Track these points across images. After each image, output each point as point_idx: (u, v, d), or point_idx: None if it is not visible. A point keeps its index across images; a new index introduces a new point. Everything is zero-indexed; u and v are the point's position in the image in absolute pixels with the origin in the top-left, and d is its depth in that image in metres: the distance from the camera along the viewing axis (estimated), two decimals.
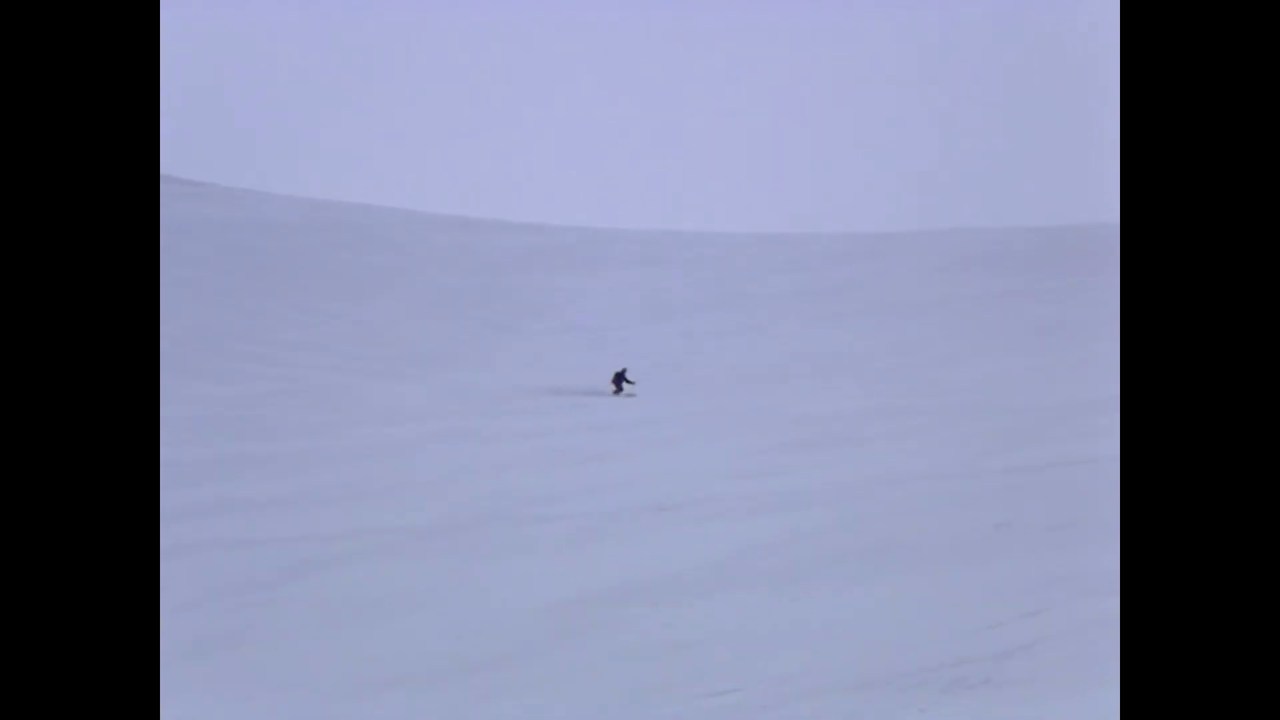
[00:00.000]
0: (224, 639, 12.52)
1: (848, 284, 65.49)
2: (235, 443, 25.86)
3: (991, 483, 17.81)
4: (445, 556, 15.67)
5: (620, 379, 37.12)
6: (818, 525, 16.15)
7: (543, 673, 11.17)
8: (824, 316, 58.67)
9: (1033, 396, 27.65)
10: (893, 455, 21.65)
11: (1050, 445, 20.70)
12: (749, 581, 13.48)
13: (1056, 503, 15.56)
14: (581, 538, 16.35)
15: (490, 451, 25.35)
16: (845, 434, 24.97)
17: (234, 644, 12.34)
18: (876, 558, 13.83)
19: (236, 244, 65.54)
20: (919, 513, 16.16)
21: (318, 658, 11.82)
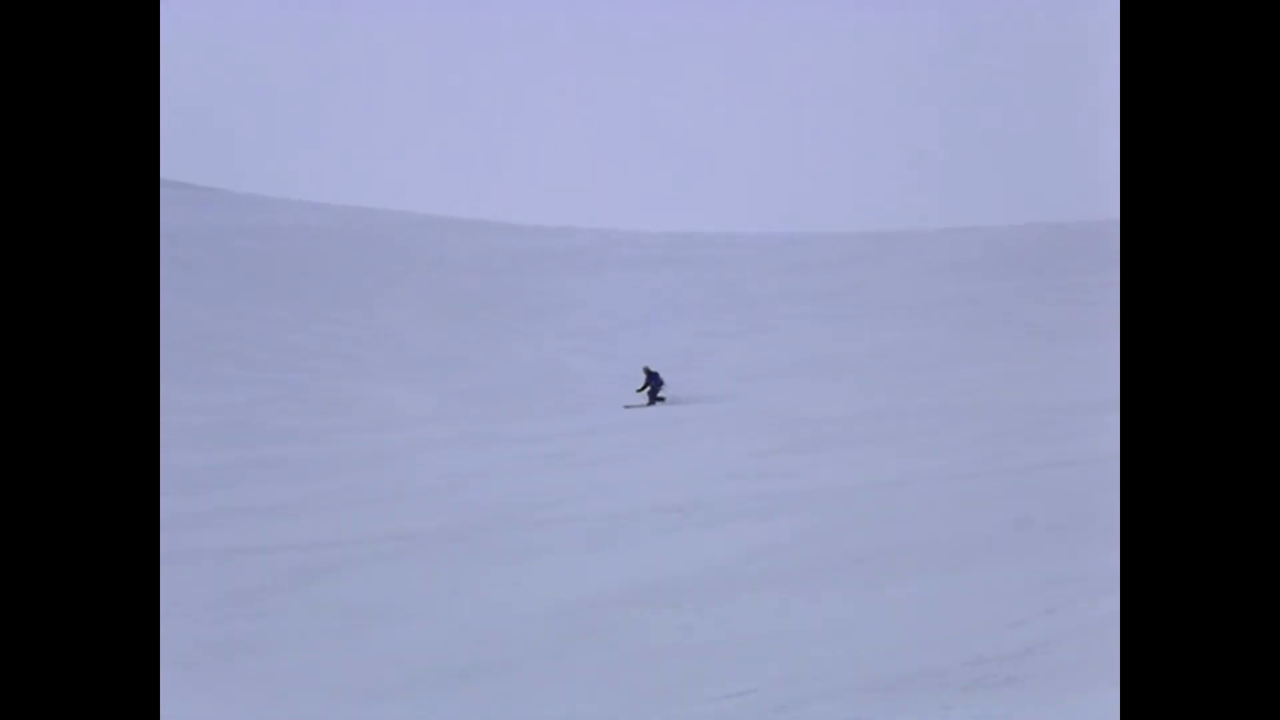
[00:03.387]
0: (229, 645, 12.35)
1: (853, 285, 65.36)
2: (239, 449, 25.70)
3: (1006, 482, 17.62)
4: (454, 561, 15.49)
5: (652, 388, 34.79)
6: (832, 526, 15.97)
7: (553, 676, 10.99)
8: (830, 318, 58.51)
9: (1040, 395, 27.44)
10: (904, 455, 21.46)
11: (1062, 443, 20.50)
12: (764, 583, 13.29)
13: (1072, 500, 15.37)
14: (591, 541, 16.18)
15: (498, 455, 25.19)
16: (855, 435, 24.78)
17: (239, 650, 12.16)
18: (893, 558, 13.64)
19: (240, 249, 65.48)
20: (934, 512, 15.97)
21: (323, 663, 11.66)
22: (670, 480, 20.55)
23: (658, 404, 34.30)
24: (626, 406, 34.84)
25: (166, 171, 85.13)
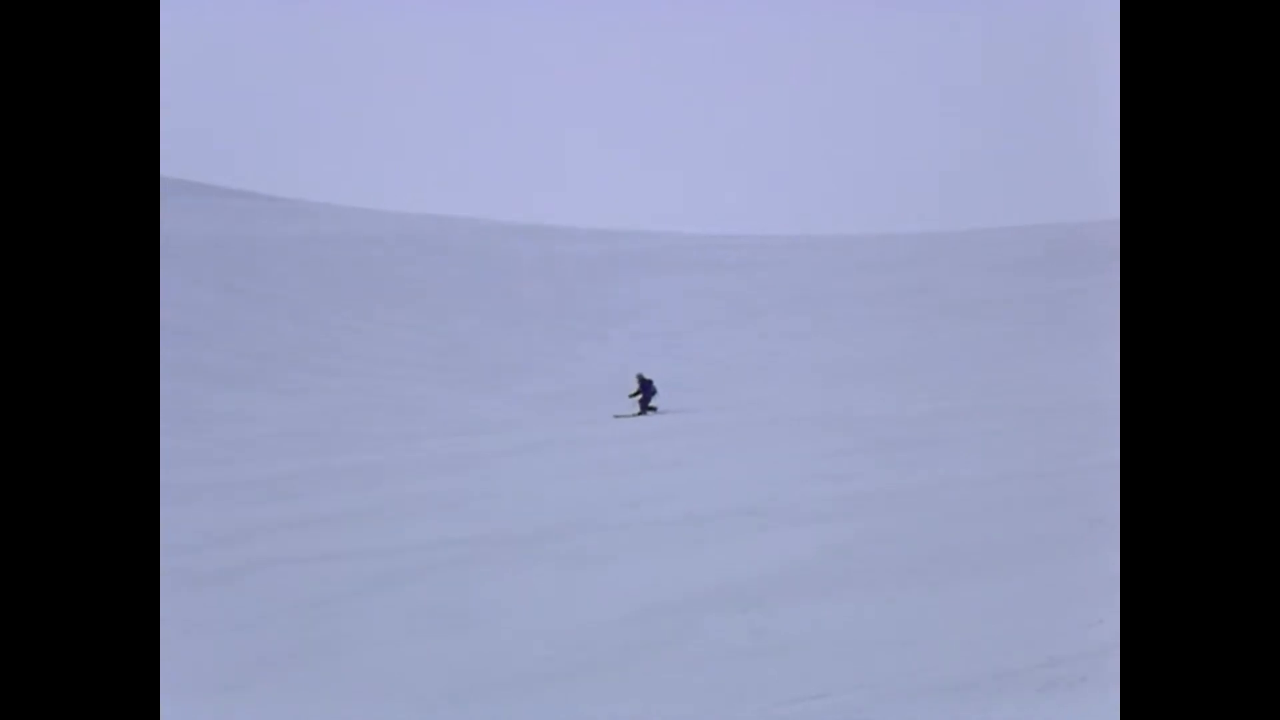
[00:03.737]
0: (309, 648, 12.54)
1: (919, 284, 65.00)
2: (317, 456, 26.00)
3: (1079, 480, 17.57)
4: (530, 565, 15.64)
5: (644, 396, 32.88)
6: (905, 527, 16.00)
7: (630, 680, 11.10)
8: (896, 318, 58.25)
9: (1110, 393, 27.31)
10: (976, 455, 21.43)
11: None
12: (837, 585, 13.35)
13: None
14: (667, 543, 16.28)
15: (571, 460, 25.34)
16: (926, 434, 24.75)
17: (318, 653, 12.35)
18: (966, 558, 13.66)
19: (316, 258, 66.02)
20: (1007, 511, 15.96)
21: (402, 667, 11.82)
22: (744, 483, 20.62)
23: (649, 414, 32.79)
24: (616, 416, 32.86)
25: (240, 183, 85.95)
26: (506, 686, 11.14)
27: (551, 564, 15.58)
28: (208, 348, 44.02)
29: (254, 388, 37.82)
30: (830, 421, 29.13)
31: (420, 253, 72.23)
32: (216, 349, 44.02)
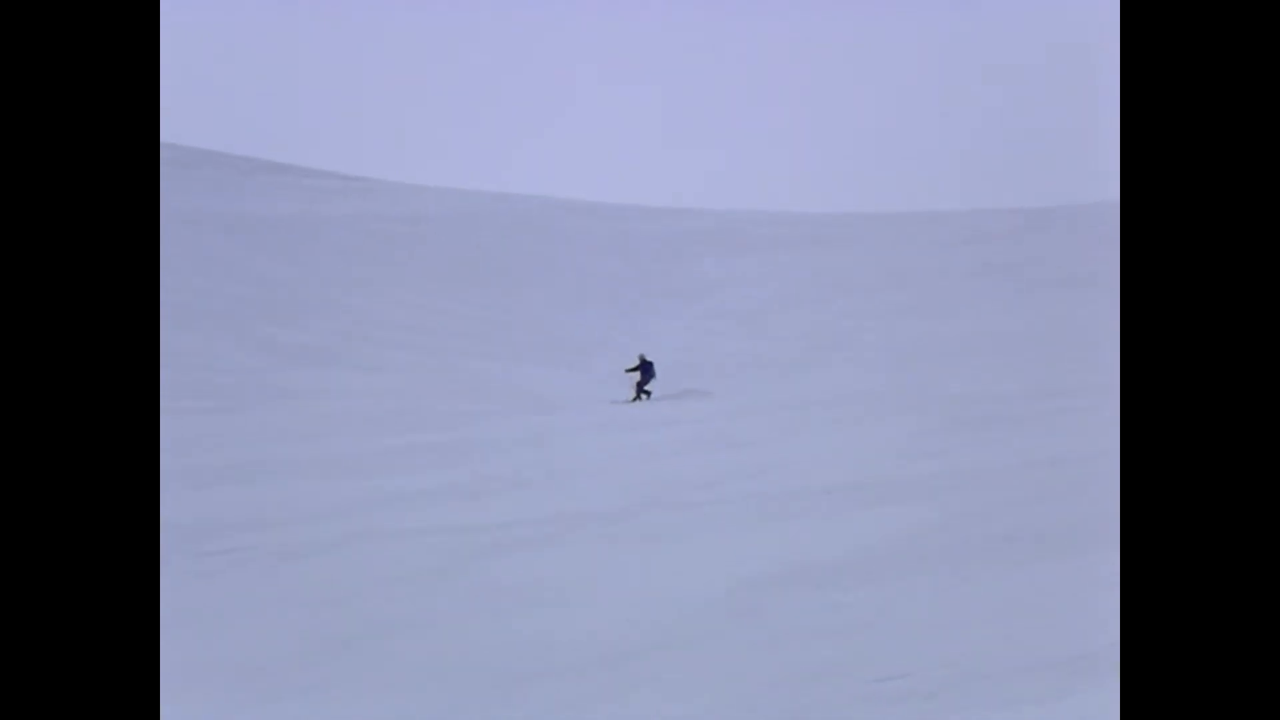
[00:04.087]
0: (389, 625, 12.64)
1: (1010, 261, 64.45)
2: (395, 434, 26.18)
3: None
4: (608, 543, 15.68)
5: (642, 378, 30.07)
6: (986, 506, 15.89)
7: (706, 659, 11.10)
8: (986, 294, 57.83)
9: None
10: (1062, 434, 21.26)
11: None
12: (918, 564, 13.29)
13: None
14: (743, 522, 16.27)
15: (646, 437, 25.36)
16: (1013, 413, 24.58)
17: (398, 630, 12.45)
18: (1047, 538, 13.56)
19: (388, 236, 66.39)
20: (1089, 491, 15.83)
21: (479, 645, 11.88)
22: (823, 461, 20.57)
23: (642, 399, 30.28)
24: (613, 402, 30.64)
25: (317, 162, 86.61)
26: (583, 666, 11.18)
27: (629, 542, 15.60)
28: (287, 325, 44.41)
29: (332, 365, 38.12)
30: (913, 400, 28.99)
31: (495, 231, 72.48)
32: (295, 326, 44.40)
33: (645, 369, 30.51)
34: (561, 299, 55.81)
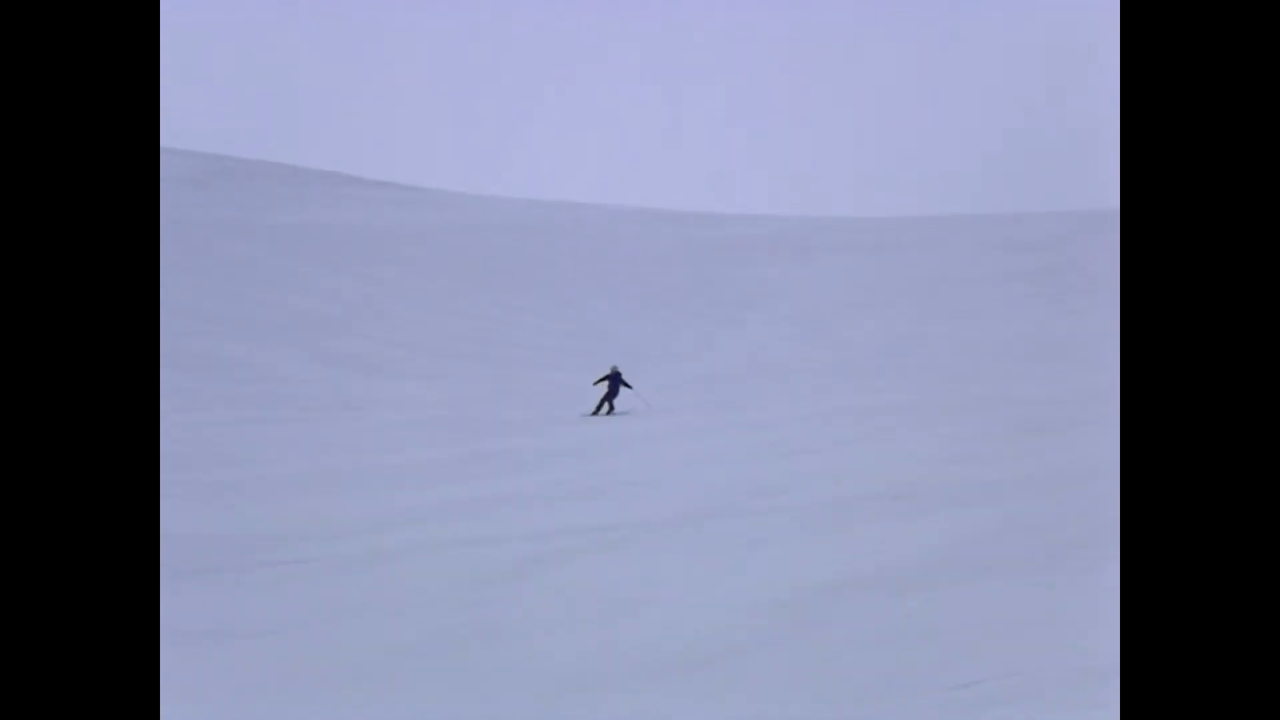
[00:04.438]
0: (459, 634, 12.66)
1: (1062, 264, 63.97)
2: (462, 443, 26.24)
3: None
4: (676, 550, 15.65)
5: (610, 390, 28.04)
6: (1052, 511, 15.78)
7: (783, 664, 11.06)
8: (1040, 298, 57.36)
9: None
10: (1120, 438, 21.07)
11: None
12: (978, 570, 13.20)
13: None
14: (815, 527, 16.21)
15: (715, 445, 25.32)
16: (1070, 417, 24.38)
17: (464, 641, 12.46)
18: (1113, 542, 13.44)
19: (454, 247, 66.65)
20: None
21: (549, 652, 11.88)
22: (888, 466, 20.48)
23: (604, 413, 28.27)
24: (583, 414, 28.67)
25: (381, 174, 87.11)
26: (650, 672, 11.15)
27: (698, 549, 15.57)
28: (354, 336, 44.66)
29: (393, 376, 38.28)
30: (973, 404, 28.81)
31: (556, 240, 72.60)
32: (363, 337, 44.65)
33: (613, 380, 28.64)
34: (623, 307, 55.83)
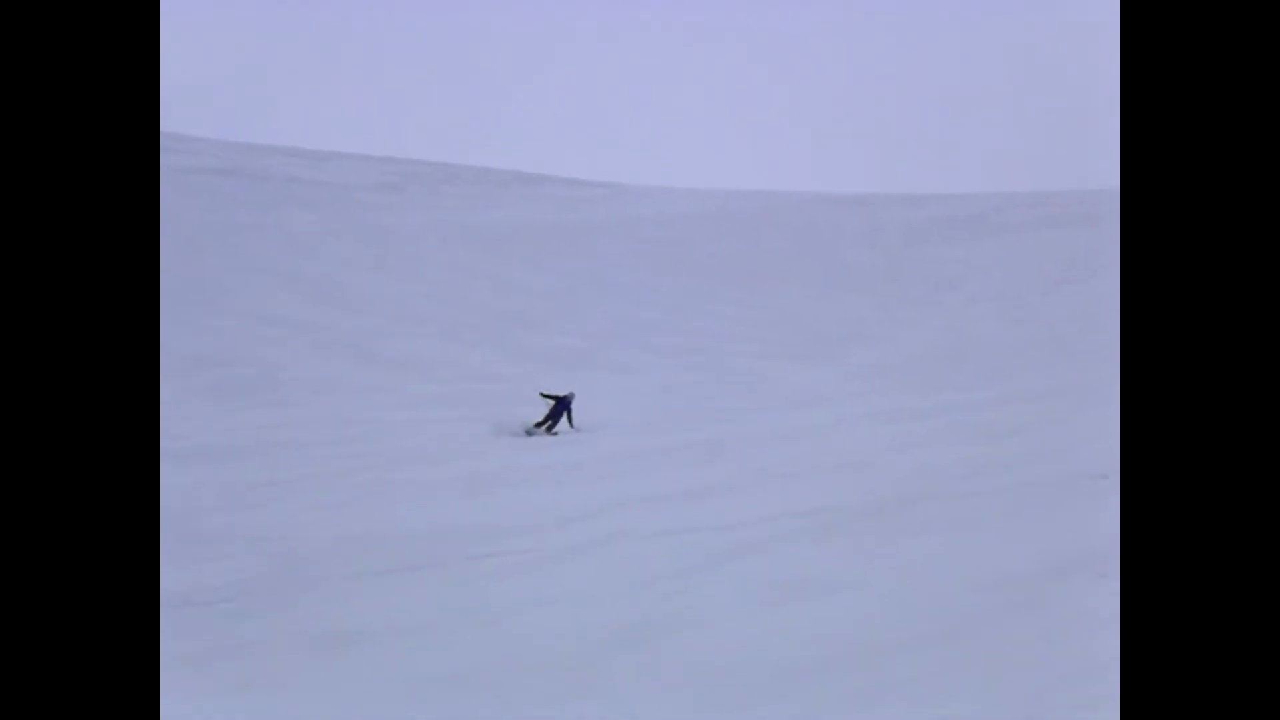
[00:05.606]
0: (660, 624, 12.66)
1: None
2: (657, 433, 26.32)
3: None
4: (877, 535, 15.50)
5: (554, 414, 26.69)
6: None
7: (985, 650, 10.86)
8: None
9: None
10: None
11: None
12: None
13: None
14: (1016, 511, 15.93)
15: (908, 428, 25.04)
16: None
17: (664, 630, 12.46)
18: None
19: (639, 239, 66.97)
20: None
21: (750, 640, 11.82)
22: (1094, 445, 20.02)
23: (541, 430, 26.47)
24: (529, 433, 26.57)
25: (569, 171, 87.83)
26: (858, 658, 11.03)
27: (896, 535, 15.39)
28: (544, 332, 45.10)
29: (589, 369, 38.56)
30: None
31: (744, 228, 72.48)
32: (553, 332, 45.07)
33: (561, 402, 27.08)
34: (816, 292, 55.53)
